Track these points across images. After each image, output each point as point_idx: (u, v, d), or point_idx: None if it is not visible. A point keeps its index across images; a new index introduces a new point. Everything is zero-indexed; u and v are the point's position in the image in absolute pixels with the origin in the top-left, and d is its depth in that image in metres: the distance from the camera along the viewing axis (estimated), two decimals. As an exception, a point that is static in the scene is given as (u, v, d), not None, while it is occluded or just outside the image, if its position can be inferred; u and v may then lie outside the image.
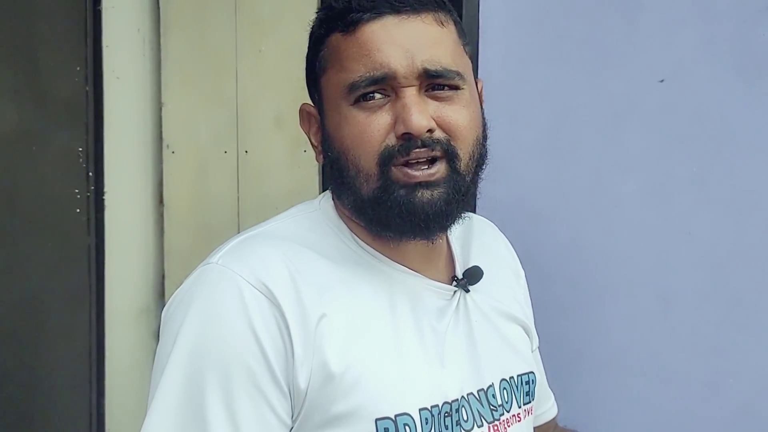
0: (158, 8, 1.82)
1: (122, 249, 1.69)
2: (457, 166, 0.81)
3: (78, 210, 1.46)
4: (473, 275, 0.91)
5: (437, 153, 0.80)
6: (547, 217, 1.29)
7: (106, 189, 1.58)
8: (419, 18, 0.82)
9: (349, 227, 0.87)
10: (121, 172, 1.68)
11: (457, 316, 0.89)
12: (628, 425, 1.26)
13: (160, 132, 1.80)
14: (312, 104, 0.91)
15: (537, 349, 1.06)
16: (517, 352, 0.95)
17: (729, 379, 1.20)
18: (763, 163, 1.18)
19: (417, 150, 0.79)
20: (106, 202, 1.59)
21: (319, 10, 0.88)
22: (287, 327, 0.76)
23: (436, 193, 0.80)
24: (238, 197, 1.78)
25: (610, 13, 1.24)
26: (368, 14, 0.80)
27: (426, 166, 0.80)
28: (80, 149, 1.47)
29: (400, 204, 0.79)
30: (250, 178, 1.77)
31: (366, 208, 0.82)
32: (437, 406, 0.81)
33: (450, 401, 0.82)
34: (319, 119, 0.87)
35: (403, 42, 0.80)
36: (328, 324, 0.77)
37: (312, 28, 0.88)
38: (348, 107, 0.81)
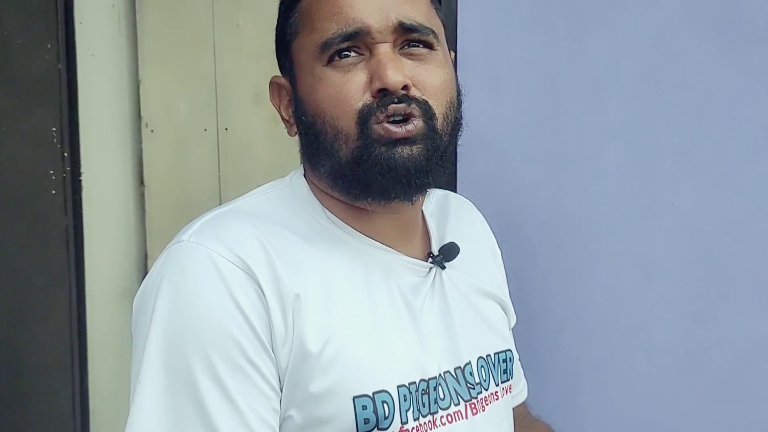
0: (133, -17, 1.78)
1: (102, 230, 1.67)
2: (434, 125, 0.80)
3: (54, 191, 1.43)
4: (449, 252, 0.89)
5: (414, 110, 0.79)
6: (529, 189, 1.27)
7: (82, 170, 1.55)
8: None
9: (322, 203, 0.85)
10: (99, 152, 1.65)
11: (432, 293, 0.87)
12: (611, 396, 1.26)
13: (139, 110, 1.77)
14: (281, 76, 0.88)
15: (512, 330, 1.05)
16: (494, 329, 0.94)
17: (712, 351, 1.19)
18: (746, 132, 1.16)
19: (394, 105, 0.78)
20: (83, 183, 1.56)
21: None
22: (266, 303, 0.74)
23: (416, 149, 0.79)
24: (219, 175, 1.76)
25: (591, -21, 1.21)
26: None
27: (404, 123, 0.79)
28: (54, 129, 1.44)
29: (380, 161, 0.78)
30: (231, 155, 1.74)
31: (345, 170, 0.80)
32: (415, 383, 0.80)
33: (427, 378, 0.81)
34: (291, 90, 0.85)
35: None
36: (304, 303, 0.76)
37: None
38: (321, 68, 0.79)
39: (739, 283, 1.18)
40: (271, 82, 0.89)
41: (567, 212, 1.26)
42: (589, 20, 1.22)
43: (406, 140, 0.78)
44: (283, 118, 0.88)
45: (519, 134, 1.27)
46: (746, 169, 1.17)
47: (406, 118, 0.78)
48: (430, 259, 0.89)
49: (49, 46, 1.44)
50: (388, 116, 0.77)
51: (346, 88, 0.78)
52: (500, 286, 1.01)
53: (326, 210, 0.85)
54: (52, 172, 1.42)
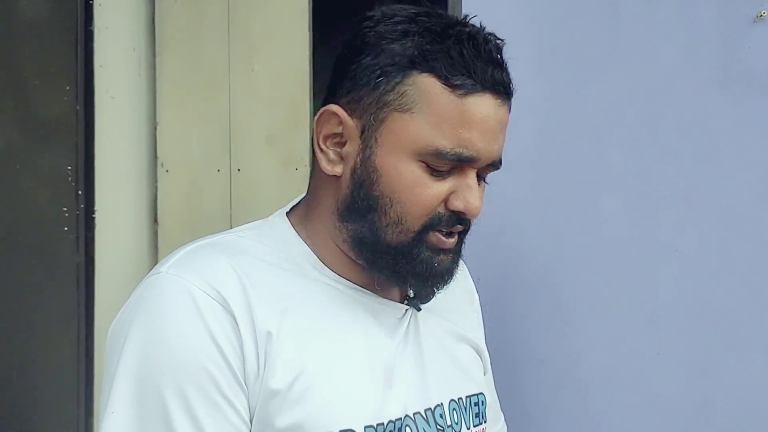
0: (154, 28, 1.84)
1: (114, 268, 1.69)
2: (464, 238, 0.87)
3: (66, 228, 1.46)
4: (425, 294, 0.90)
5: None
6: (531, 233, 1.27)
7: (96, 207, 1.58)
8: (506, 106, 0.83)
9: (306, 244, 0.86)
10: (114, 191, 1.68)
11: (407, 335, 0.87)
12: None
13: (155, 150, 1.82)
14: (345, 111, 0.81)
15: (490, 373, 1.04)
16: (467, 372, 0.94)
17: (718, 401, 1.16)
18: (748, 177, 1.15)
19: (458, 226, 0.83)
20: (97, 221, 1.59)
21: (413, 33, 0.78)
22: (241, 337, 0.74)
23: (450, 258, 0.84)
24: (231, 215, 1.78)
25: (592, 28, 1.23)
26: (479, 85, 0.78)
27: (450, 236, 0.84)
28: (69, 168, 1.48)
29: (424, 263, 0.81)
30: (243, 196, 1.77)
31: (384, 250, 0.81)
32: (383, 423, 0.80)
33: (394, 420, 0.81)
34: (358, 140, 0.80)
35: (494, 128, 0.80)
36: (275, 341, 0.76)
37: (387, 34, 0.79)
38: (415, 161, 0.78)
39: (744, 331, 1.16)
40: (328, 110, 0.81)
41: (568, 260, 1.25)
42: (590, 68, 1.24)
43: (447, 251, 0.83)
44: (320, 147, 0.83)
45: (521, 179, 1.27)
46: (749, 215, 1.15)
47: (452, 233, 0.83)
48: (406, 302, 0.90)
49: (67, 87, 1.49)
50: (449, 232, 0.82)
51: (430, 194, 0.79)
52: (475, 331, 1.01)
53: (310, 249, 0.85)
54: (65, 209, 1.46)
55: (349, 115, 0.80)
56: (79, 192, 1.50)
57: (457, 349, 0.93)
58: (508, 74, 0.83)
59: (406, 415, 0.82)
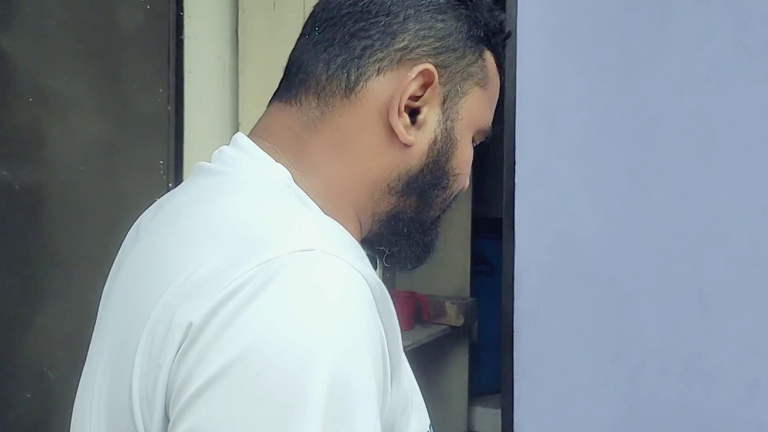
0: (237, 38, 2.00)
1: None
2: None
3: (158, 217, 1.61)
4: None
5: None
6: (584, 220, 1.32)
7: (184, 199, 1.73)
8: None
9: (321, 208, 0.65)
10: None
11: None
12: (665, 428, 1.26)
13: (238, 150, 1.96)
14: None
15: None
16: None
17: (768, 381, 1.19)
18: (797, 162, 1.18)
19: None
20: (185, 212, 1.74)
21: (477, 4, 0.69)
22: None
23: None
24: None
25: (643, 20, 1.28)
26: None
27: None
28: (161, 162, 1.64)
29: (437, 238, 0.71)
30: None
31: (415, 229, 0.69)
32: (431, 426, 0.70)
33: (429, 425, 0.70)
34: (438, 103, 0.67)
35: None
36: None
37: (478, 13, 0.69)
38: (470, 138, 0.70)
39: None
40: (428, 69, 0.65)
41: (620, 244, 1.30)
42: (642, 58, 1.29)
43: None
44: (399, 110, 0.65)
45: (574, 168, 1.34)
46: (800, 201, 1.18)
47: None
48: None
49: (160, 90, 1.65)
50: None
51: (469, 169, 0.71)
52: None
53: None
54: (156, 200, 1.61)
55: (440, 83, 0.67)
56: (170, 185, 1.66)
57: None
58: None
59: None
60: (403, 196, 0.68)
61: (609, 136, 1.31)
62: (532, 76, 1.36)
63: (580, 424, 1.30)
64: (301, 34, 0.69)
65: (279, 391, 0.48)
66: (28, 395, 1.25)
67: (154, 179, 1.62)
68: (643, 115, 1.29)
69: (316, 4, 0.70)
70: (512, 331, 1.35)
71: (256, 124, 0.68)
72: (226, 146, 0.68)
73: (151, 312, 0.53)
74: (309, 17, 0.69)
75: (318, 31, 0.66)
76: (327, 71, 0.64)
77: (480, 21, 0.69)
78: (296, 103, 0.65)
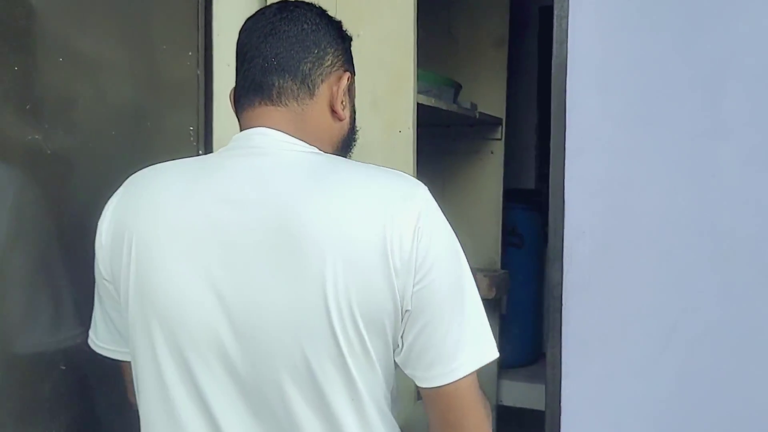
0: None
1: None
2: None
3: (188, 185, 1.56)
4: None
5: None
6: (639, 188, 1.26)
7: (214, 167, 1.68)
8: None
9: None
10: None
11: None
12: (723, 401, 1.21)
13: (266, 117, 1.91)
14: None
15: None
16: None
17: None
18: None
19: None
20: (215, 180, 1.69)
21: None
22: None
23: None
24: (338, 178, 1.85)
25: (707, -24, 1.20)
26: None
27: None
28: (191, 128, 1.58)
29: (355, 141, 1.23)
30: (353, 158, 1.83)
31: (348, 142, 1.18)
32: None
33: None
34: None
35: None
36: None
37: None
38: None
39: None
40: (349, 75, 1.12)
41: (678, 212, 1.24)
42: (704, 17, 1.21)
43: None
44: (342, 99, 1.09)
45: (629, 133, 1.27)
46: None
47: None
48: None
49: (189, 53, 1.58)
50: None
51: None
52: None
53: None
54: (187, 167, 1.56)
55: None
56: (200, 152, 1.60)
57: None
58: None
59: None
60: (342, 150, 1.13)
61: (667, 99, 1.24)
62: (583, 35, 1.28)
63: (632, 401, 1.25)
64: (252, 62, 1.06)
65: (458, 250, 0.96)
66: (63, 367, 1.22)
67: (184, 146, 1.57)
68: (705, 76, 1.21)
69: (257, 39, 1.08)
70: (561, 304, 1.29)
71: (253, 120, 1.04)
72: (254, 134, 1.03)
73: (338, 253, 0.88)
74: (253, 49, 1.07)
75: (275, 61, 1.03)
76: (296, 85, 1.03)
77: (348, 41, 1.14)
78: (283, 106, 1.03)
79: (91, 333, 1.12)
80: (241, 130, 1.06)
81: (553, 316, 1.31)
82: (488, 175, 2.56)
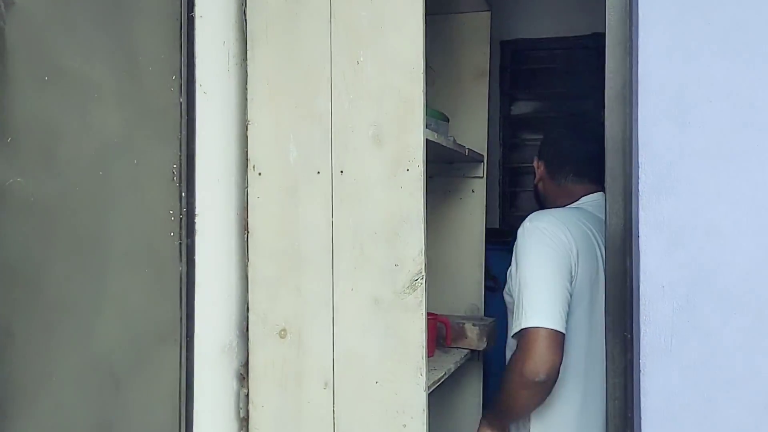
0: (245, 19, 1.70)
1: (208, 279, 1.53)
2: None
3: (171, 233, 1.30)
4: None
5: None
6: (727, 233, 1.10)
7: (197, 211, 1.42)
8: None
9: None
10: (208, 195, 1.53)
11: None
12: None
13: (246, 152, 1.67)
14: None
15: None
16: None
17: None
18: None
19: None
20: (197, 226, 1.43)
21: None
22: None
23: None
24: (333, 222, 1.62)
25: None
26: None
27: None
28: (174, 166, 1.32)
29: None
30: (346, 200, 1.61)
31: None
32: None
33: None
34: None
35: None
36: None
37: None
38: None
39: None
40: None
41: (773, 262, 1.09)
42: (798, 42, 1.08)
43: None
44: None
45: (713, 171, 1.11)
46: None
47: None
48: None
49: (173, 77, 1.34)
50: None
51: None
52: None
53: None
54: (171, 212, 1.30)
55: None
56: (183, 193, 1.35)
57: None
58: None
59: None
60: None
61: (755, 132, 1.09)
62: (657, 62, 1.13)
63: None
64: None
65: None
66: None
67: (166, 187, 1.31)
68: (800, 109, 1.08)
69: None
70: (638, 371, 1.11)
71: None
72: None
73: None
74: None
75: None
76: None
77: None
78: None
79: None
80: None
81: (627, 386, 1.13)
82: (469, 216, 2.39)
